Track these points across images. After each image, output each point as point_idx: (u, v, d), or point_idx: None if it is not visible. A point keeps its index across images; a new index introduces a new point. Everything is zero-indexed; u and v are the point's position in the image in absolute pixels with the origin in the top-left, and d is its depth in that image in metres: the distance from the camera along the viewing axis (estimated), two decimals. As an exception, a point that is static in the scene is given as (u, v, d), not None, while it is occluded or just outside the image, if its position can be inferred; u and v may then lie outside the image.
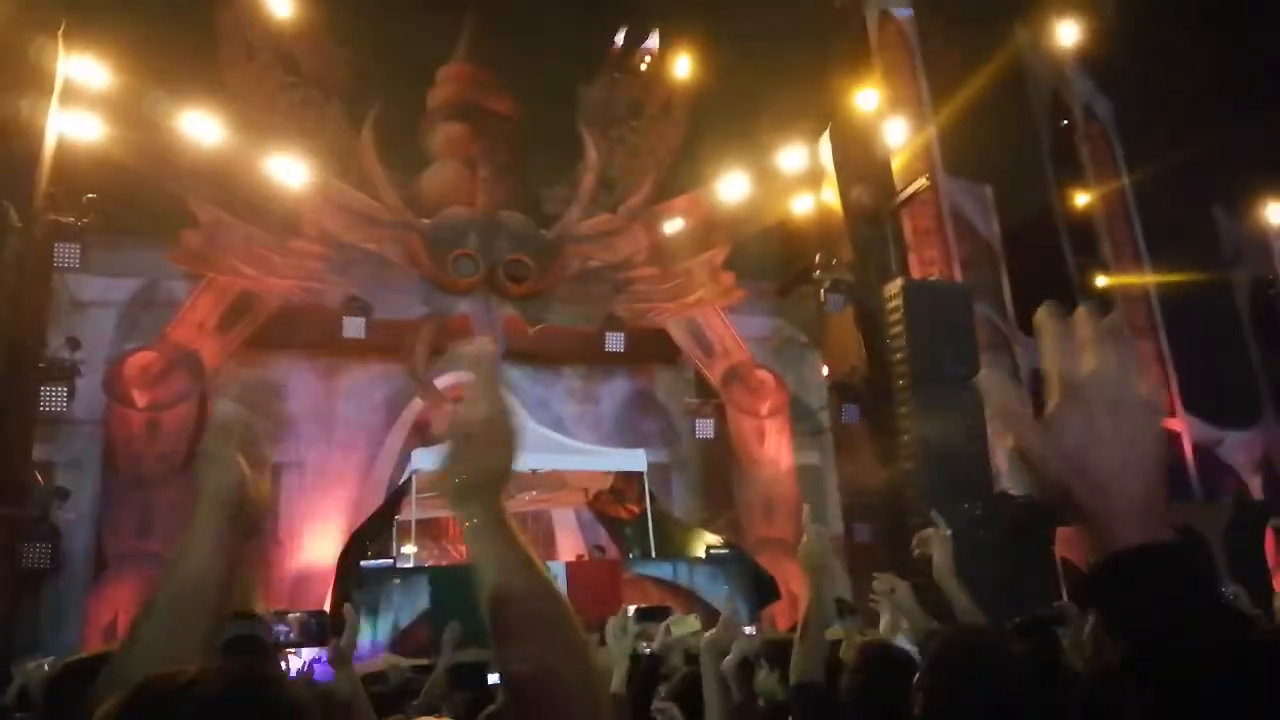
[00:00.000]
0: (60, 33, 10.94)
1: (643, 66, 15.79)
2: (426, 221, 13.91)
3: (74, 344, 11.31)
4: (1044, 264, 18.12)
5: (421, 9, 14.15)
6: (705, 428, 14.82)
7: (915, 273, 14.55)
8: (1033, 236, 18.10)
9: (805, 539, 2.95)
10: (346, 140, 13.49)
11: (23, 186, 10.59)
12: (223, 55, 13.13)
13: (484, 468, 1.20)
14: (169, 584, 1.26)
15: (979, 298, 15.12)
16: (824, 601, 3.00)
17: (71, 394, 11.18)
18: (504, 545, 1.17)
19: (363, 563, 11.37)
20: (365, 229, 13.53)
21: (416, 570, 11.84)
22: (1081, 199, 19.11)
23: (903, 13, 16.08)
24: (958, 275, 15.17)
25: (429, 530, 13.77)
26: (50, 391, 11.05)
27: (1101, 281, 18.39)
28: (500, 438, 1.22)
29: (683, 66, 15.28)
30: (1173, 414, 17.43)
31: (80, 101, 11.11)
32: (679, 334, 15.31)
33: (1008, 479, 15.60)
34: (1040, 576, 13.14)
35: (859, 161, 14.35)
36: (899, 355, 13.41)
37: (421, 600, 10.65)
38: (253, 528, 1.50)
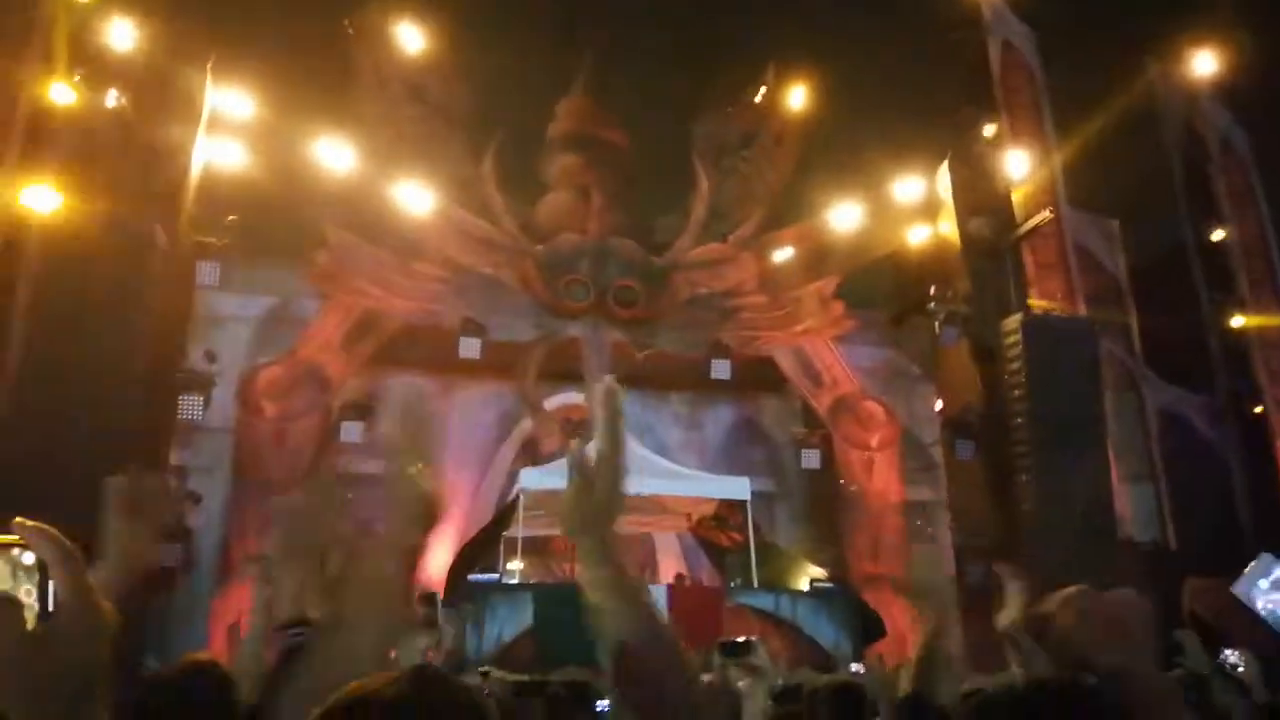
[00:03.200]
0: (209, 66, 11.73)
1: (757, 98, 15.86)
2: (541, 247, 14.26)
3: (211, 357, 12.01)
4: (1175, 301, 17.27)
5: (543, 47, 14.62)
6: (811, 458, 14.65)
7: (1036, 308, 14.11)
8: (1163, 273, 17.30)
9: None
10: (468, 169, 13.96)
11: (170, 209, 11.32)
12: (357, 87, 13.80)
13: (599, 503, 1.28)
14: (357, 581, 1.33)
15: (1105, 335, 14.56)
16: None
17: (207, 403, 11.87)
18: (617, 587, 1.25)
19: (470, 576, 11.61)
20: (483, 253, 13.95)
21: (521, 586, 12.03)
22: (1217, 234, 18.20)
23: (1026, 41, 15.71)
24: (1082, 311, 14.62)
25: (535, 547, 13.98)
26: (188, 400, 11.76)
27: (1238, 321, 17.43)
28: (615, 477, 1.29)
29: (797, 97, 15.28)
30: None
31: (224, 129, 11.85)
32: (786, 363, 15.20)
33: (1131, 524, 14.93)
34: (1166, 628, 12.46)
35: (978, 193, 14.09)
36: (1018, 392, 13.02)
37: (525, 616, 10.80)
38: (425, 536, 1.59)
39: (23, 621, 0.98)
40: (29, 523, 1.00)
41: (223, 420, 12.61)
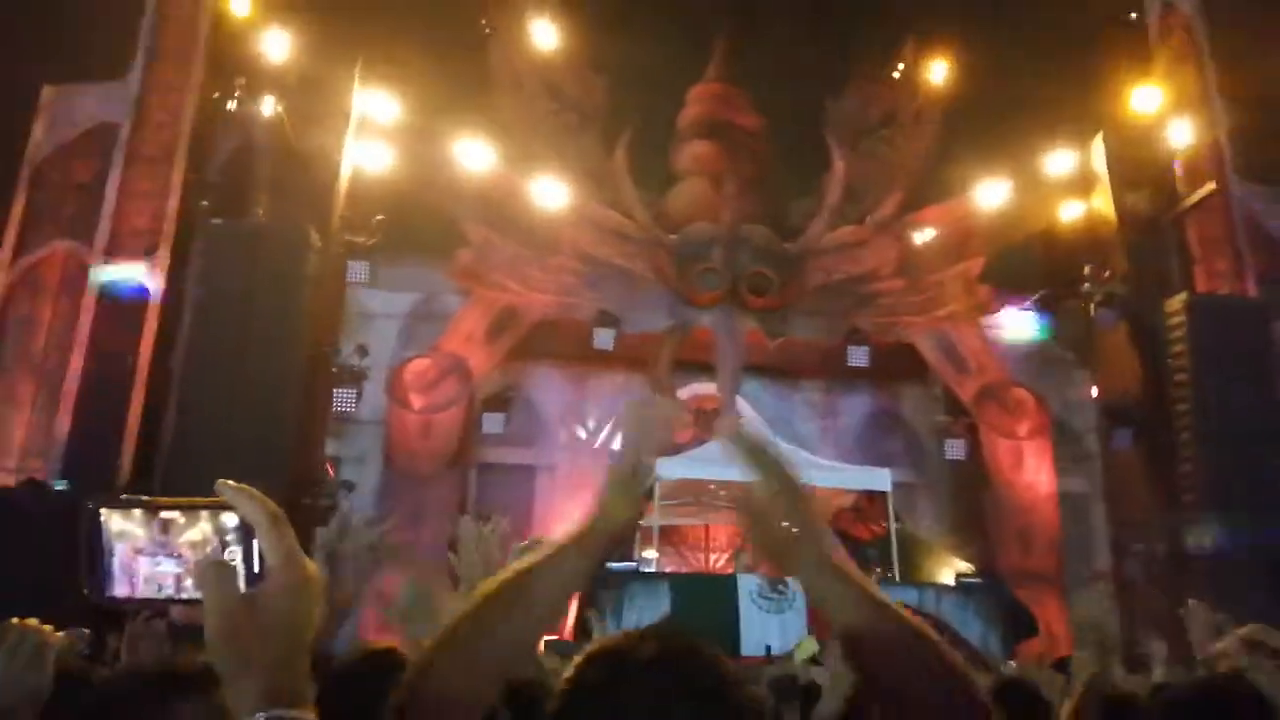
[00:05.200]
0: (357, 71, 12.27)
1: (895, 74, 15.36)
2: (673, 237, 14.26)
3: (362, 351, 12.59)
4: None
5: (674, 34, 14.55)
6: (956, 448, 14.15)
7: (1201, 287, 13.19)
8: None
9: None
10: (601, 161, 14.09)
11: (322, 210, 11.93)
12: (494, 87, 14.13)
13: (796, 525, 1.25)
14: (516, 592, 1.29)
15: (1277, 316, 13.47)
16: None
17: (359, 396, 12.46)
18: (841, 584, 1.21)
19: (609, 564, 11.78)
20: (616, 245, 14.06)
21: (658, 575, 12.13)
22: None
23: (1188, 1, 14.63)
24: (1252, 290, 13.55)
25: (670, 537, 14.07)
26: (341, 393, 12.39)
27: None
28: (796, 495, 1.26)
29: (938, 72, 14.71)
30: None
31: (372, 132, 12.37)
32: (928, 349, 14.69)
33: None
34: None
35: (1136, 165, 13.30)
36: (1181, 377, 12.24)
37: (663, 604, 10.90)
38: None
39: (235, 584, 1.00)
40: (234, 484, 1.01)
41: (373, 412, 13.19)
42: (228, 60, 12.03)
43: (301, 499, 10.38)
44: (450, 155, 12.91)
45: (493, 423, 13.53)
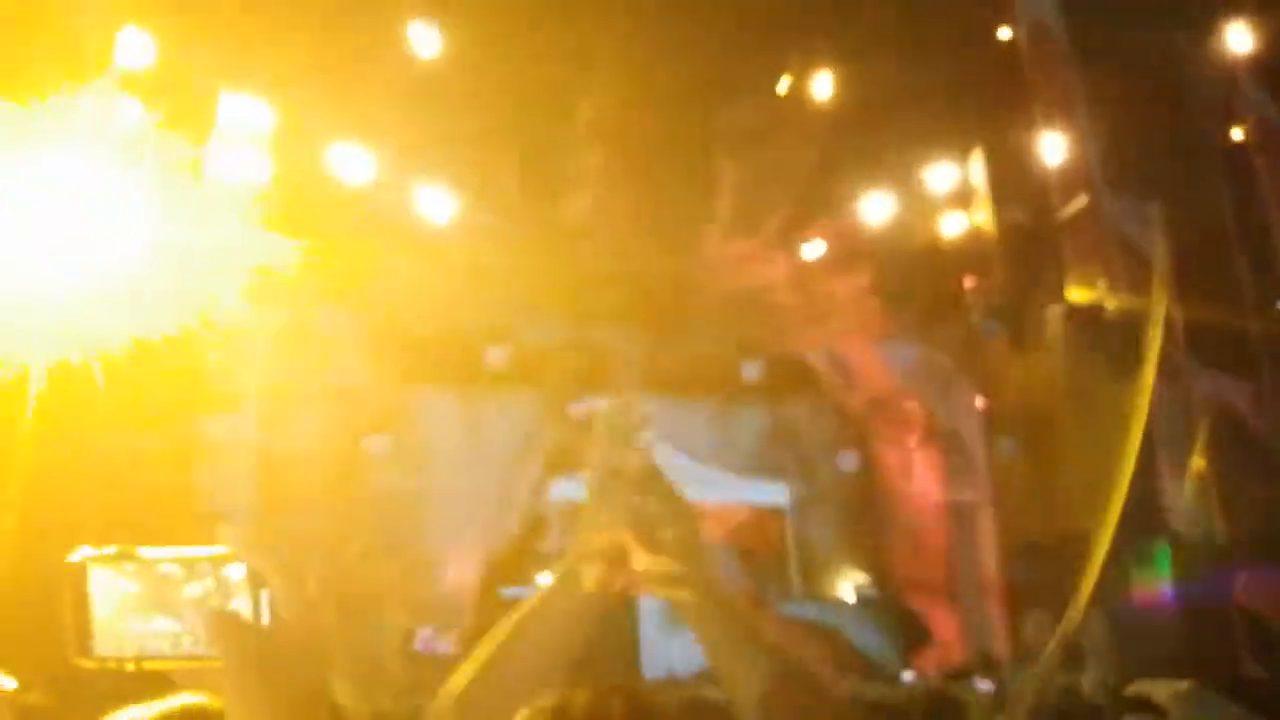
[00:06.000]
0: (224, 75, 11.52)
1: (782, 89, 15.49)
2: (566, 249, 14.00)
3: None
4: (1216, 286, 16.80)
5: (564, 42, 14.30)
6: (848, 460, 14.38)
7: (1076, 297, 13.72)
8: (1205, 257, 16.81)
9: None
10: (491, 171, 13.71)
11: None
12: (374, 94, 13.54)
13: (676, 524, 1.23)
14: (533, 629, 1.31)
15: (1147, 323, 14.14)
16: None
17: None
18: (740, 635, 1.20)
19: (501, 590, 11.49)
20: (509, 258, 13.70)
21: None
22: (1256, 216, 17.70)
23: (1056, 21, 15.28)
24: (1123, 299, 14.21)
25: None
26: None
27: (1282, 304, 16.93)
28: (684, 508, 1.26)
29: (823, 87, 14.90)
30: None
31: (240, 138, 11.62)
32: (819, 362, 14.88)
33: (1178, 518, 14.54)
34: (1216, 624, 12.17)
35: (1013, 179, 13.75)
36: (1060, 384, 12.68)
37: (562, 632, 10.54)
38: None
39: (250, 636, 0.98)
40: (241, 532, 0.99)
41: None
42: (79, 58, 11.09)
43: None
44: (327, 163, 12.31)
45: (376, 445, 12.98)
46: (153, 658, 1.00)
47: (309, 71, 11.78)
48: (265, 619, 0.97)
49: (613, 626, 10.85)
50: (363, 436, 12.94)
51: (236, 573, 0.98)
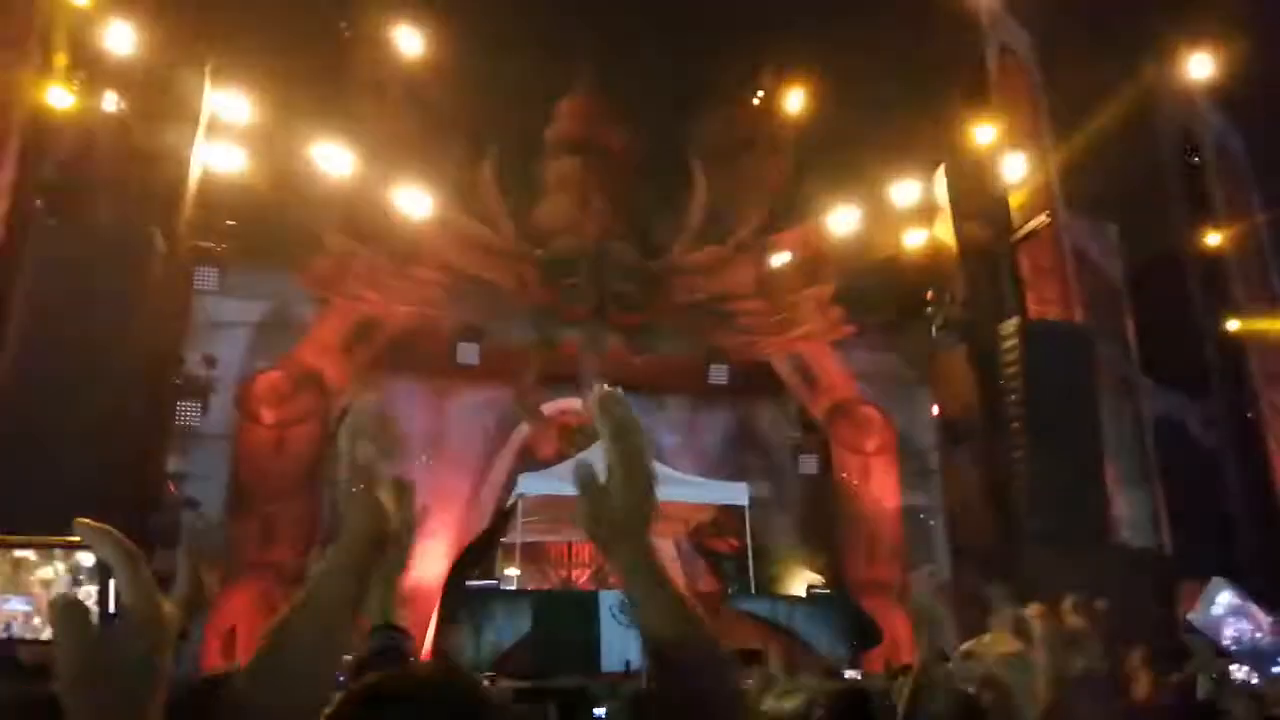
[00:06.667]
0: (208, 69, 11.70)
1: (755, 100, 15.85)
2: (539, 252, 14.25)
3: (209, 362, 12.00)
4: (1171, 306, 17.32)
5: (543, 48, 14.54)
6: (809, 463, 14.68)
7: (1033, 313, 14.13)
8: (1160, 277, 17.34)
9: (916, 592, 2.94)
10: (468, 173, 13.95)
11: (168, 213, 11.28)
12: (355, 91, 13.76)
13: (630, 507, 1.21)
14: (304, 612, 1.22)
15: (1101, 340, 14.59)
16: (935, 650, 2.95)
17: (205, 409, 11.86)
18: (659, 592, 1.20)
19: (468, 582, 11.60)
20: (481, 258, 13.94)
21: (520, 593, 12.03)
22: (1212, 239, 18.23)
23: (1023, 45, 15.73)
24: (1079, 317, 14.64)
25: (532, 554, 13.98)
26: (185, 406, 11.76)
27: (1233, 325, 17.46)
28: (642, 479, 1.22)
29: (795, 100, 15.27)
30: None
31: (223, 134, 11.81)
32: (783, 368, 15.21)
33: (1127, 529, 14.95)
34: (1164, 632, 12.51)
35: (975, 196, 14.10)
36: (1014, 397, 13.04)
37: (524, 623, 10.80)
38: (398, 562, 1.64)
39: (88, 624, 0.97)
40: (91, 523, 0.98)
41: (222, 426, 12.57)
42: (66, 53, 11.25)
43: (144, 518, 9.79)
44: (308, 159, 12.46)
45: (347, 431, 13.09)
46: (5, 637, 1.04)
47: (292, 68, 11.94)
48: (111, 607, 0.98)
49: (574, 621, 11.13)
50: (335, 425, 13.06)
51: (88, 560, 1.01)
